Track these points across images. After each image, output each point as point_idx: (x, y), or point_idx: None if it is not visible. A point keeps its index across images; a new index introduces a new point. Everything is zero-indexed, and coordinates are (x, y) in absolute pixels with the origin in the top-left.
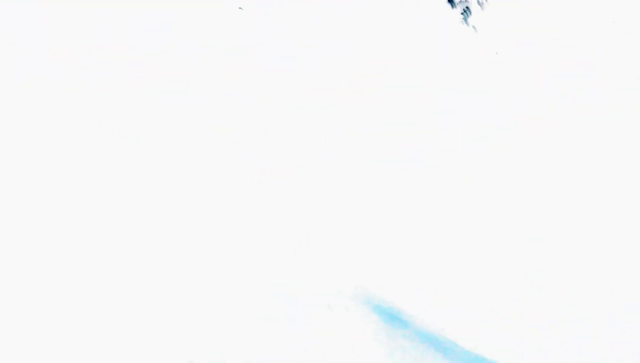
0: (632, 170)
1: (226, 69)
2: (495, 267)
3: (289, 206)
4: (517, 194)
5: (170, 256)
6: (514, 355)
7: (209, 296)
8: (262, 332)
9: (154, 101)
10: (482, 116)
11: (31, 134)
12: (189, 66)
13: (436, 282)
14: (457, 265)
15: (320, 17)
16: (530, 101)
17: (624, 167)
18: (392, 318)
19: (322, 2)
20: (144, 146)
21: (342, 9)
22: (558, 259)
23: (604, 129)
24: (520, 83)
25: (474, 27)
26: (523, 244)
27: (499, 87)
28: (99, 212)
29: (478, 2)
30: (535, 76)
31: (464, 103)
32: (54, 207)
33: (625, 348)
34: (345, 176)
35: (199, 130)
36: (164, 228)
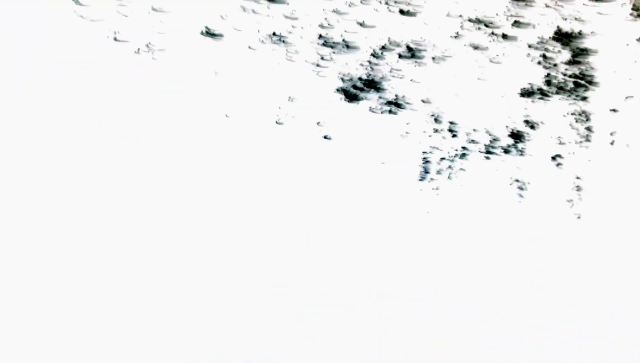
0: (632, 170)
1: (226, 69)
2: (495, 267)
3: (289, 206)
4: (517, 195)
5: (170, 256)
6: (514, 355)
7: (209, 296)
8: (262, 332)
9: (154, 101)
10: (481, 115)
11: (31, 134)
12: (189, 66)
13: (436, 282)
14: (457, 265)
15: (320, 18)
16: (530, 102)
17: (624, 167)
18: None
19: (322, 3)
20: (144, 146)
21: (342, 10)
22: (558, 259)
23: (604, 129)
24: (520, 83)
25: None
26: (523, 244)
27: (499, 87)
28: (99, 211)
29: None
30: (535, 75)
31: (464, 103)
32: (54, 206)
33: (625, 348)
34: (345, 176)
35: (199, 130)
36: (164, 228)
